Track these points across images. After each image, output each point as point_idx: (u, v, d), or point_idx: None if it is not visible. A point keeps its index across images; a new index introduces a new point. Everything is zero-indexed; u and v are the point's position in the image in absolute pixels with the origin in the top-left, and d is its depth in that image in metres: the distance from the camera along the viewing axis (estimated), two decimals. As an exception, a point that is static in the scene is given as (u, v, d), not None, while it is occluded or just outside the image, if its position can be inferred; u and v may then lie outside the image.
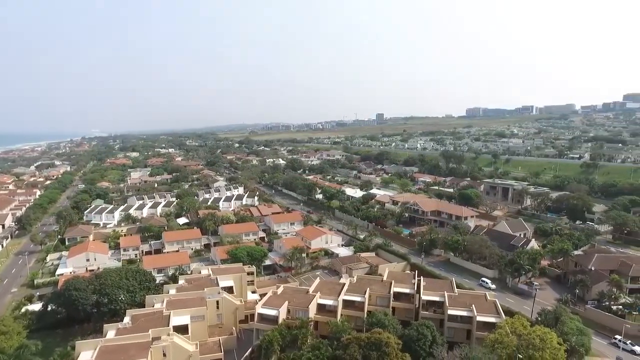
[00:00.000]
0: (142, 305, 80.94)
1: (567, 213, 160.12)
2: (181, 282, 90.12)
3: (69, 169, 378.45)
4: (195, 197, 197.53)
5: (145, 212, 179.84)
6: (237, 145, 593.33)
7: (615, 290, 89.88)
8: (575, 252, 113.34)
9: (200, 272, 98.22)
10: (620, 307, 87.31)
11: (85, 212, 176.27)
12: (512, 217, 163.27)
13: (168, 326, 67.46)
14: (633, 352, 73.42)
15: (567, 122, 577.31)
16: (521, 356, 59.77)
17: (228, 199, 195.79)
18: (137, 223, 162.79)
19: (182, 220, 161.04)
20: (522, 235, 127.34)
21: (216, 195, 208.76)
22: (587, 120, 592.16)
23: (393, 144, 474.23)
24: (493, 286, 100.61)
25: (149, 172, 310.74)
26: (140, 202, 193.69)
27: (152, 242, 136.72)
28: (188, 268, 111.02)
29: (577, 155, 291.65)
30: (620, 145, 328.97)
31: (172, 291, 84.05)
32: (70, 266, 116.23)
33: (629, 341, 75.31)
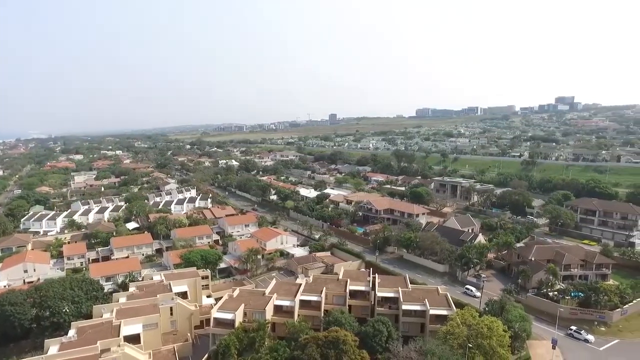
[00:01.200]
0: (89, 316, 76.89)
1: (510, 208, 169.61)
2: (132, 289, 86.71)
3: (1, 173, 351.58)
4: (146, 201, 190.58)
5: (92, 217, 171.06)
6: (188, 146, 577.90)
7: (552, 278, 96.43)
8: (518, 245, 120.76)
9: (152, 279, 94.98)
10: (556, 293, 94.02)
11: (22, 220, 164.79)
12: (460, 213, 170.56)
13: (118, 336, 64.70)
14: (586, 341, 77.98)
15: (509, 123, 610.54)
16: (471, 345, 62.85)
17: (180, 202, 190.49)
18: (83, 230, 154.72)
19: (131, 225, 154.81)
20: (470, 231, 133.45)
21: (168, 198, 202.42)
22: (525, 120, 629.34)
23: (346, 144, 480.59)
24: (478, 294, 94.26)
25: (94, 176, 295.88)
26: (86, 207, 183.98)
27: (99, 249, 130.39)
28: (139, 275, 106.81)
29: (518, 154, 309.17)
30: (554, 144, 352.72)
31: (123, 299, 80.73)
32: (4, 279, 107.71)
33: (582, 330, 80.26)
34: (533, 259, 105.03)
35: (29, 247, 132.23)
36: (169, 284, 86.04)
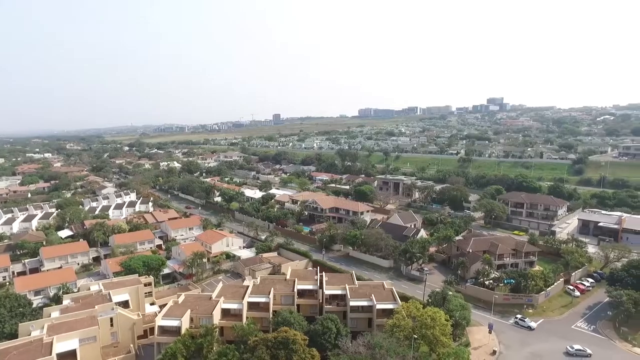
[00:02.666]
0: (14, 335, 70.00)
1: (449, 203, 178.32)
2: (66, 302, 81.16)
3: None
4: (81, 207, 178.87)
5: (16, 226, 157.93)
6: (126, 148, 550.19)
7: (487, 267, 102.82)
8: (457, 238, 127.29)
9: (89, 289, 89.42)
10: (491, 281, 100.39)
11: None
12: (403, 209, 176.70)
13: (50, 355, 60.04)
14: (529, 328, 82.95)
15: (446, 122, 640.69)
16: (416, 336, 65.53)
17: (119, 207, 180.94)
18: (6, 240, 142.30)
19: (64, 233, 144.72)
20: (412, 226, 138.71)
21: (105, 203, 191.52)
22: (461, 120, 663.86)
23: (290, 144, 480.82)
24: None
25: (19, 181, 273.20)
26: (9, 215, 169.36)
27: (26, 260, 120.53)
28: (74, 286, 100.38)
29: (455, 152, 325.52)
30: (486, 142, 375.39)
31: (55, 314, 75.36)
32: None
33: (526, 319, 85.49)
34: (470, 251, 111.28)
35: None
36: (109, 293, 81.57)
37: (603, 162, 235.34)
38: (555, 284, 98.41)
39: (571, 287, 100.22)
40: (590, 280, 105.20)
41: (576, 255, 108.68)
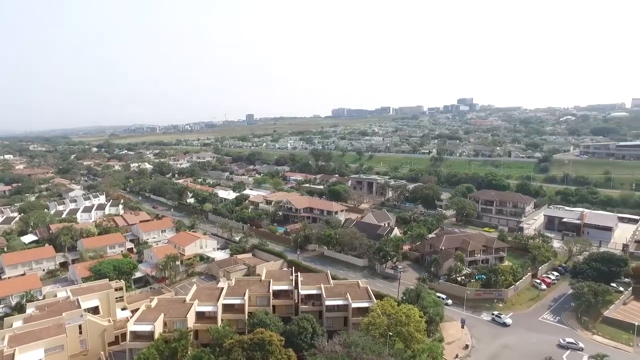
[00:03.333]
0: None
1: (421, 202, 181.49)
2: (30, 310, 78.14)
3: None
4: (46, 210, 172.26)
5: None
6: (95, 149, 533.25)
7: (459, 264, 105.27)
8: (430, 236, 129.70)
9: (56, 296, 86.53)
10: (463, 277, 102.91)
11: None
12: (377, 208, 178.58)
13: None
14: (504, 324, 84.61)
15: (418, 122, 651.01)
16: (391, 333, 66.44)
17: (87, 210, 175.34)
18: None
19: (28, 238, 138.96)
20: (386, 225, 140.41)
21: (72, 206, 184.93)
22: (433, 120, 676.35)
23: (264, 144, 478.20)
24: (449, 301, 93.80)
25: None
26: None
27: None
28: (40, 293, 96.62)
29: (427, 151, 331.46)
30: (457, 141, 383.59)
31: (18, 323, 72.33)
32: None
33: (502, 314, 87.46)
34: (443, 248, 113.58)
35: None
36: (77, 299, 79.00)
37: (566, 160, 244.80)
38: (523, 278, 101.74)
39: (538, 281, 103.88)
40: (556, 273, 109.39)
41: (542, 250, 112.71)
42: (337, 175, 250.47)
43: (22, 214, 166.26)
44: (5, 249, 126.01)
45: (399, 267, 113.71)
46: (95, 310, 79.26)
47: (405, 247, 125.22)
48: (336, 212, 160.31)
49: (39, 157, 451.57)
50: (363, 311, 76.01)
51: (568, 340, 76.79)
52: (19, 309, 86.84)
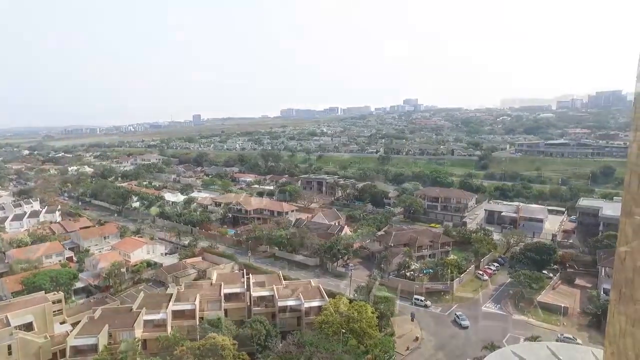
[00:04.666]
0: None
1: (370, 200, 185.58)
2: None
3: None
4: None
5: None
6: (26, 152, 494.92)
7: (408, 260, 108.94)
8: (379, 233, 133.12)
9: (-18, 312, 79.51)
10: (412, 272, 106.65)
11: None
12: (327, 207, 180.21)
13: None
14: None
15: (365, 122, 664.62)
16: (344, 330, 67.56)
17: (18, 218, 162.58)
18: None
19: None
20: (336, 224, 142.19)
21: (0, 214, 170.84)
22: (379, 120, 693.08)
23: (212, 146, 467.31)
24: (428, 302, 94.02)
25: None
26: None
27: None
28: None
29: (375, 150, 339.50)
30: (403, 140, 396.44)
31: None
32: None
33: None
34: (392, 245, 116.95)
35: None
36: (5, 317, 72.87)
37: (503, 157, 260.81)
38: (467, 270, 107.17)
39: (480, 272, 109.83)
40: (496, 264, 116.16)
41: (484, 243, 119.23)
42: (286, 176, 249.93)
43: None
44: None
45: (350, 265, 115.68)
46: (29, 327, 73.67)
47: (356, 245, 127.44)
48: (287, 213, 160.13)
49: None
50: (316, 310, 76.69)
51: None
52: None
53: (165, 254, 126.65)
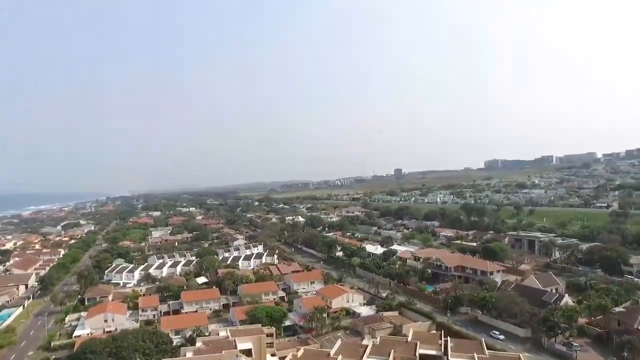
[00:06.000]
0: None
1: (600, 266, 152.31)
2: (199, 344, 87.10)
3: (93, 228, 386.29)
4: (215, 256, 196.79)
5: (165, 271, 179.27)
6: (256, 203, 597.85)
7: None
8: (617, 309, 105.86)
9: (218, 334, 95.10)
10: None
11: (106, 272, 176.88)
12: (540, 271, 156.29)
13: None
14: None
15: (590, 171, 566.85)
16: None
17: (247, 258, 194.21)
18: (157, 282, 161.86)
19: (201, 280, 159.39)
20: (553, 291, 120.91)
21: (236, 254, 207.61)
22: (610, 168, 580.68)
23: (412, 199, 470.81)
24: (502, 337, 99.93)
25: (170, 231, 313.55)
26: (160, 261, 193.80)
27: (170, 302, 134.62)
28: (206, 329, 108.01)
29: (605, 204, 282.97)
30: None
31: (189, 354, 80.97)
32: (88, 327, 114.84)
33: None
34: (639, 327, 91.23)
35: (110, 297, 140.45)
36: (234, 340, 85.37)
37: None
38: None
39: None
40: None
41: None
42: (491, 232, 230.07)
43: (198, 258, 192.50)
44: (184, 287, 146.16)
45: (574, 344, 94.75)
46: (248, 353, 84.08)
47: (582, 320, 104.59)
48: (491, 273, 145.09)
49: (213, 210, 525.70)
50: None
51: None
52: (191, 341, 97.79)
53: (363, 304, 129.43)
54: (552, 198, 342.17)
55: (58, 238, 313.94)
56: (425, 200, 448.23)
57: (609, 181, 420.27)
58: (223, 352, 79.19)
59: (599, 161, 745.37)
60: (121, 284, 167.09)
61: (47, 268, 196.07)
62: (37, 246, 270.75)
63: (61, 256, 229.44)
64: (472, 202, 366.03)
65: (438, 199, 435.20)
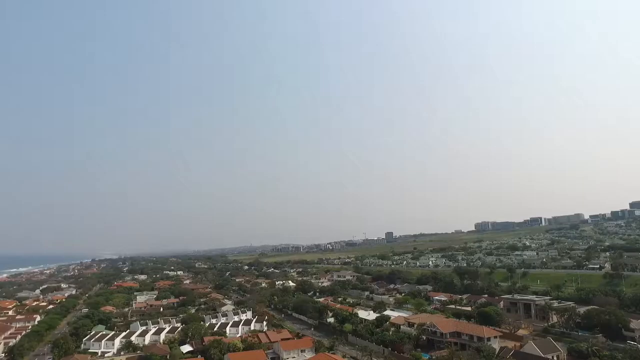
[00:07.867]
0: None
1: (600, 330, 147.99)
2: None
3: (74, 292, 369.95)
4: (202, 322, 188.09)
5: (148, 338, 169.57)
6: (246, 267, 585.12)
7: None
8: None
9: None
10: None
11: (84, 340, 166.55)
12: (538, 336, 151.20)
13: None
14: None
15: (579, 232, 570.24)
16: None
17: (235, 324, 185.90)
18: (138, 352, 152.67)
19: (185, 348, 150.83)
20: (554, 358, 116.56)
21: (223, 320, 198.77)
22: (598, 229, 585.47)
23: (404, 262, 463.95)
24: None
25: (155, 296, 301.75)
26: (144, 327, 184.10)
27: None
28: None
29: (597, 266, 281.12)
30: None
31: None
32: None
33: None
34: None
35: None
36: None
37: None
38: None
39: None
40: None
41: None
42: (486, 296, 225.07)
43: (184, 325, 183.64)
44: (168, 357, 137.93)
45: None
46: None
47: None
48: (488, 339, 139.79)
49: (201, 274, 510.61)
50: None
51: None
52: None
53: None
54: (544, 259, 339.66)
55: (35, 303, 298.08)
56: (417, 263, 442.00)
57: (598, 242, 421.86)
58: None
59: (587, 222, 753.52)
60: (99, 353, 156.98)
61: (19, 337, 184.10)
62: (10, 312, 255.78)
63: (36, 323, 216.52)
64: (465, 264, 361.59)
65: (430, 262, 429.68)
